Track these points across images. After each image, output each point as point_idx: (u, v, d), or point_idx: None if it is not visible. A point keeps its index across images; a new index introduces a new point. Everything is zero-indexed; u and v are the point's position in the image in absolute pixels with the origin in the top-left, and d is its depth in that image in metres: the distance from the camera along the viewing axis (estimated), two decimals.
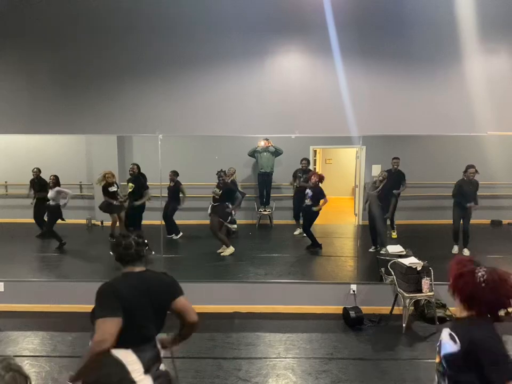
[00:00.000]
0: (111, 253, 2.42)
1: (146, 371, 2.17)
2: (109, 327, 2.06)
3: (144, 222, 6.23)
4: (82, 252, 6.68)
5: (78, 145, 7.05)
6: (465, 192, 6.22)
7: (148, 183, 6.44)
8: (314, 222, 6.84)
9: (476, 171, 6.05)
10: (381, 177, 6.18)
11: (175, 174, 6.76)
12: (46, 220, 6.53)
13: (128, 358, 2.14)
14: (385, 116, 5.05)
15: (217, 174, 6.38)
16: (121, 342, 2.10)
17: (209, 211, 6.44)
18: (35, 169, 6.57)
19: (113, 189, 6.50)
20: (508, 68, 5.04)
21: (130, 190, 6.37)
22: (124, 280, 2.30)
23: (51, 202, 6.32)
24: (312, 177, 6.50)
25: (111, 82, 5.13)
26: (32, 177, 6.60)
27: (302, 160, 7.17)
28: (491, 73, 5.00)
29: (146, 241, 2.41)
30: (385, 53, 5.01)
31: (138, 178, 6.39)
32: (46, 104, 5.14)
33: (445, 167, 6.74)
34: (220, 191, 6.36)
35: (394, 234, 6.86)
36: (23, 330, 4.72)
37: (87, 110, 5.14)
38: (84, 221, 7.14)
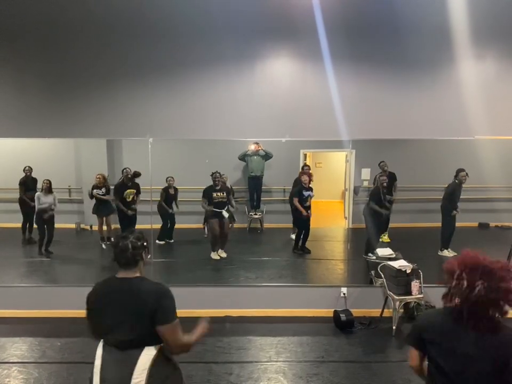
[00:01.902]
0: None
1: (105, 369, 2.16)
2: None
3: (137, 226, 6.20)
4: (71, 256, 6.61)
5: (67, 149, 6.99)
6: (457, 196, 6.31)
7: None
8: None
9: (467, 174, 6.14)
10: (384, 183, 6.08)
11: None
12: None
13: (97, 350, 2.22)
14: (374, 120, 5.09)
15: (212, 176, 6.28)
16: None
17: (225, 215, 6.33)
18: (27, 168, 6.48)
19: (99, 192, 6.47)
20: (496, 73, 5.12)
21: (131, 196, 6.35)
22: (101, 284, 2.31)
23: (42, 206, 6.22)
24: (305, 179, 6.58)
25: (101, 86, 5.11)
26: (23, 175, 6.50)
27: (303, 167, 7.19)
28: (480, 78, 5.08)
29: (145, 243, 2.33)
30: (374, 57, 5.06)
31: (136, 183, 6.38)
32: (34, 108, 5.10)
33: (434, 171, 6.82)
34: (223, 194, 6.32)
35: (386, 238, 6.91)
36: (10, 336, 4.66)
37: (76, 113, 5.10)
38: (73, 226, 7.08)
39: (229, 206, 6.46)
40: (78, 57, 5.05)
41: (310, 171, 6.92)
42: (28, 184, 6.48)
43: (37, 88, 5.10)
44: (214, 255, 6.42)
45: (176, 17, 4.98)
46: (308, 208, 6.57)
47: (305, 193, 6.54)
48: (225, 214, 6.31)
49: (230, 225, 6.65)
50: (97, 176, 6.47)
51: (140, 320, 2.15)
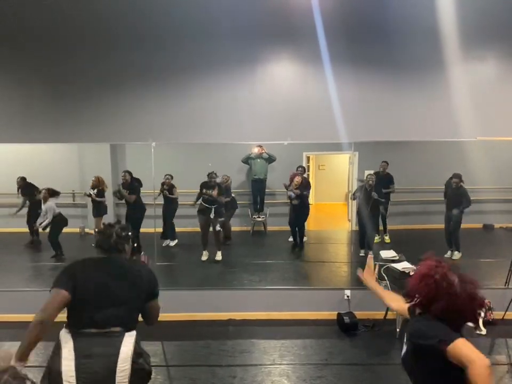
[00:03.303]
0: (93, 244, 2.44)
1: (81, 357, 2.09)
2: (52, 297, 2.15)
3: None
4: (75, 260, 6.63)
5: (70, 153, 7.02)
6: (448, 196, 6.31)
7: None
8: (309, 228, 6.91)
9: (460, 181, 6.11)
10: (370, 181, 6.22)
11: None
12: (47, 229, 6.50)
13: (65, 343, 2.15)
14: (376, 122, 5.09)
15: (208, 175, 6.38)
16: (70, 323, 2.19)
17: (212, 215, 6.35)
18: (18, 179, 6.56)
19: (90, 191, 6.58)
20: (495, 75, 5.12)
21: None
22: (87, 261, 2.33)
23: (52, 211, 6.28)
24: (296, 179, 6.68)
25: (104, 90, 5.13)
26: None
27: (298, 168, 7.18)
28: (479, 80, 5.08)
29: (130, 234, 2.42)
30: (375, 60, 5.06)
31: (133, 185, 6.41)
32: (38, 113, 5.13)
33: (435, 172, 6.80)
34: (211, 191, 6.34)
35: (387, 239, 6.91)
36: (15, 340, 4.65)
37: (79, 118, 5.13)
38: (77, 230, 7.11)
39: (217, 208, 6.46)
40: (82, 62, 5.08)
41: (301, 173, 6.92)
42: (23, 191, 6.57)
43: (40, 93, 5.13)
44: (203, 255, 6.42)
45: (178, 22, 5.00)
46: (297, 205, 6.65)
47: (289, 193, 6.72)
48: (212, 214, 6.36)
49: (218, 228, 6.62)
50: (93, 179, 6.60)
51: (135, 299, 2.26)
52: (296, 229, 6.94)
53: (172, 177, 6.84)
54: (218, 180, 6.51)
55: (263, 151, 7.23)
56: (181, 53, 5.07)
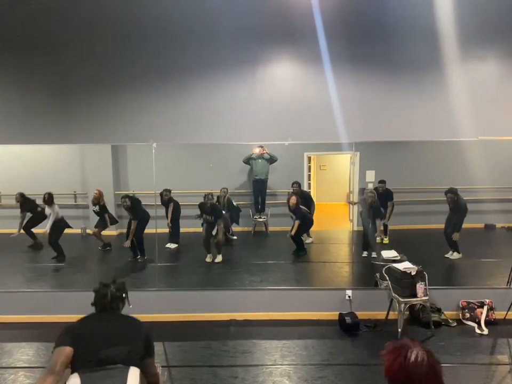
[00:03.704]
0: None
1: None
2: (57, 356, 2.23)
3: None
4: (77, 261, 6.65)
5: (72, 154, 7.03)
6: (449, 206, 6.31)
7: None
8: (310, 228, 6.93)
9: (455, 195, 6.09)
10: (370, 200, 6.16)
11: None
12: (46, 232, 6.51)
13: (72, 381, 2.21)
14: (377, 122, 5.10)
15: (204, 198, 6.42)
16: (75, 367, 2.25)
17: (214, 232, 6.49)
18: (17, 195, 6.55)
19: (93, 209, 6.71)
20: (499, 74, 5.11)
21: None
22: (85, 319, 2.48)
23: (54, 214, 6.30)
24: (291, 200, 6.60)
25: (105, 92, 5.14)
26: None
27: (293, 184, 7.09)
28: (479, 80, 5.07)
29: (124, 294, 2.55)
30: (376, 60, 5.06)
31: (133, 208, 6.44)
32: (39, 114, 5.15)
33: (436, 173, 6.79)
34: (211, 218, 6.44)
35: (386, 240, 6.89)
36: (17, 341, 4.69)
37: (81, 119, 5.14)
38: (78, 231, 7.12)
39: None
40: (82, 63, 5.09)
41: (295, 192, 6.81)
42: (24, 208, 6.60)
43: (41, 94, 5.14)
44: (207, 257, 6.49)
45: (178, 23, 5.01)
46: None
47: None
48: (214, 231, 6.49)
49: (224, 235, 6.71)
50: (94, 192, 6.64)
51: (136, 347, 2.35)
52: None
53: (170, 192, 6.86)
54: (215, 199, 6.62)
55: (264, 151, 7.23)
56: (182, 53, 5.07)
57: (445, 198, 6.36)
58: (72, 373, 2.26)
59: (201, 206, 6.52)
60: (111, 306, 2.46)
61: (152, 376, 2.45)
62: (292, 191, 6.88)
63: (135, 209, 6.44)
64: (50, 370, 2.17)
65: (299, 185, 7.08)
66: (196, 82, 5.12)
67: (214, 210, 6.48)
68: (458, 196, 6.11)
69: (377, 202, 6.22)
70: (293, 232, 6.57)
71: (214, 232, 6.51)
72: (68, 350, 2.24)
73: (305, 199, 6.90)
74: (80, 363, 2.25)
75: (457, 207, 6.15)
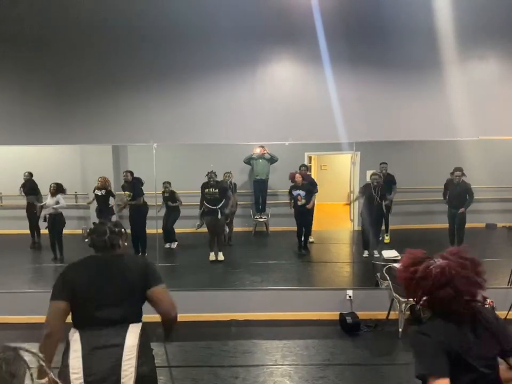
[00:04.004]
0: (85, 240, 2.44)
1: (88, 349, 2.13)
2: (52, 310, 2.22)
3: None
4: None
5: (73, 155, 7.03)
6: (449, 193, 6.27)
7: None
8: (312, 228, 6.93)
9: (463, 174, 6.07)
10: (375, 182, 6.17)
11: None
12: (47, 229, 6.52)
13: (72, 337, 2.20)
14: (378, 122, 5.09)
15: (207, 175, 6.36)
16: (75, 322, 2.23)
17: (219, 216, 6.35)
18: (26, 173, 6.57)
19: (98, 193, 6.53)
20: (499, 73, 5.10)
21: (129, 198, 6.39)
22: (80, 262, 2.37)
23: (51, 211, 6.30)
24: (296, 178, 6.59)
25: (105, 92, 5.15)
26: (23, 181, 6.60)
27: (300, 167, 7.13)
28: (479, 79, 5.07)
29: (123, 230, 2.43)
30: (376, 60, 5.06)
31: (134, 185, 6.41)
32: (39, 115, 5.15)
33: (437, 172, 6.78)
34: (215, 190, 6.33)
35: (387, 239, 6.88)
36: (19, 342, 4.69)
37: (81, 120, 5.15)
38: (79, 231, 7.12)
39: (224, 207, 6.41)
40: (83, 64, 5.10)
41: (304, 171, 6.89)
42: (27, 188, 6.57)
43: (42, 95, 5.15)
44: (210, 256, 6.42)
45: (178, 23, 5.02)
46: (302, 206, 6.60)
47: (294, 192, 6.64)
48: (219, 215, 6.33)
49: (226, 227, 6.62)
50: (99, 179, 6.54)
51: (131, 293, 2.26)
52: (303, 229, 6.87)
53: (170, 185, 6.84)
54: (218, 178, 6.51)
55: (265, 151, 7.23)
56: (182, 54, 5.08)
57: (442, 193, 6.36)
58: (73, 323, 2.25)
59: (204, 185, 6.39)
60: (112, 244, 2.33)
61: (166, 305, 2.29)
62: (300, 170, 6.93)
63: (136, 186, 6.37)
64: (46, 331, 2.15)
65: (307, 167, 7.13)
66: (196, 83, 5.12)
67: (220, 184, 6.38)
68: (465, 176, 6.08)
69: (382, 190, 6.18)
70: (309, 206, 6.57)
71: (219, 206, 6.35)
72: (62, 305, 2.20)
73: (310, 183, 6.97)
74: (78, 318, 2.23)
75: (462, 190, 6.11)
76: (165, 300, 2.31)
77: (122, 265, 2.33)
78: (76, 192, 7.20)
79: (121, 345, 2.15)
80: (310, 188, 6.72)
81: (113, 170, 7.07)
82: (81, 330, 2.21)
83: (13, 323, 5.14)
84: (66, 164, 7.06)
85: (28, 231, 6.67)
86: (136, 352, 2.16)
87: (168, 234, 7.00)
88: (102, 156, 6.97)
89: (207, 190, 6.37)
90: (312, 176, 8.06)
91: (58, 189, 6.35)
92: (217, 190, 6.35)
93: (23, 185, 6.61)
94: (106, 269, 2.31)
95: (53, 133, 5.16)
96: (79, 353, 2.13)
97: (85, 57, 5.10)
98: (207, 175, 6.37)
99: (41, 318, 5.35)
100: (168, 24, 5.02)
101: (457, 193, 6.20)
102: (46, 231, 6.44)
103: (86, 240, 2.39)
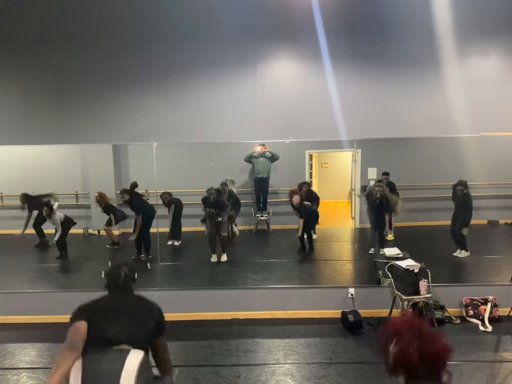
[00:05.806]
0: (102, 276, 2.56)
1: (89, 372, 2.14)
2: (74, 330, 2.22)
3: None
4: (79, 261, 6.66)
5: (73, 154, 7.04)
6: (455, 200, 6.24)
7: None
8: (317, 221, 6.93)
9: (466, 188, 6.00)
10: (378, 194, 5.98)
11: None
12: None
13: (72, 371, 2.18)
14: (379, 119, 5.07)
15: (207, 191, 6.32)
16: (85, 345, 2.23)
17: (219, 218, 6.35)
18: (20, 196, 6.50)
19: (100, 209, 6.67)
20: (501, 69, 5.07)
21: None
22: (99, 300, 2.43)
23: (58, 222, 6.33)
24: (293, 200, 6.52)
25: (105, 91, 5.13)
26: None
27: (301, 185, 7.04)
28: (481, 76, 5.03)
29: (136, 275, 2.54)
30: (376, 57, 5.03)
31: (135, 204, 6.39)
32: (40, 115, 5.14)
33: (439, 169, 6.77)
34: (215, 211, 6.32)
35: (390, 237, 6.86)
36: (20, 342, 4.69)
37: (82, 119, 5.14)
38: (80, 231, 7.13)
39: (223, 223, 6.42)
40: (83, 63, 5.08)
41: (306, 190, 6.80)
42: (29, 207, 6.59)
43: (42, 95, 5.14)
44: (212, 258, 6.40)
45: (178, 22, 5.00)
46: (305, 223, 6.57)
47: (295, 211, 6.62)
48: (218, 218, 6.33)
49: (229, 232, 6.64)
50: (95, 195, 6.61)
51: (148, 326, 2.36)
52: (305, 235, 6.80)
53: (169, 195, 6.82)
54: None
55: (265, 149, 7.21)
56: (182, 52, 5.06)
57: (450, 195, 6.32)
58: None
59: (204, 199, 6.40)
60: (125, 287, 2.46)
61: (163, 354, 2.44)
62: (293, 189, 6.85)
63: (134, 203, 6.37)
64: (71, 347, 2.15)
65: (308, 185, 7.06)
66: (197, 81, 5.10)
67: (218, 202, 6.37)
68: (468, 188, 6.04)
69: (387, 195, 6.07)
70: (299, 233, 6.54)
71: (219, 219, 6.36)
72: (83, 325, 2.24)
73: (311, 196, 6.91)
74: (89, 340, 2.25)
75: (465, 201, 6.07)
76: (165, 349, 2.47)
77: (144, 309, 2.44)
78: (76, 192, 7.20)
79: (120, 369, 2.16)
80: (309, 208, 6.65)
81: (114, 170, 7.07)
82: (86, 355, 2.21)
83: (14, 323, 5.13)
84: (67, 164, 7.07)
85: (29, 231, 6.66)
86: (135, 376, 2.14)
87: (174, 231, 7.01)
88: (103, 155, 6.97)
89: (207, 209, 6.34)
90: (313, 176, 8.05)
91: (51, 208, 6.29)
92: (217, 210, 6.30)
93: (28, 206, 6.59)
94: (120, 310, 2.40)
95: (53, 132, 5.14)
96: (79, 376, 2.15)
97: (85, 57, 5.07)
98: (207, 190, 6.31)
99: (42, 318, 5.37)
100: (168, 23, 5.00)
101: (460, 204, 6.17)
102: (51, 231, 6.44)
103: (102, 277, 2.52)
